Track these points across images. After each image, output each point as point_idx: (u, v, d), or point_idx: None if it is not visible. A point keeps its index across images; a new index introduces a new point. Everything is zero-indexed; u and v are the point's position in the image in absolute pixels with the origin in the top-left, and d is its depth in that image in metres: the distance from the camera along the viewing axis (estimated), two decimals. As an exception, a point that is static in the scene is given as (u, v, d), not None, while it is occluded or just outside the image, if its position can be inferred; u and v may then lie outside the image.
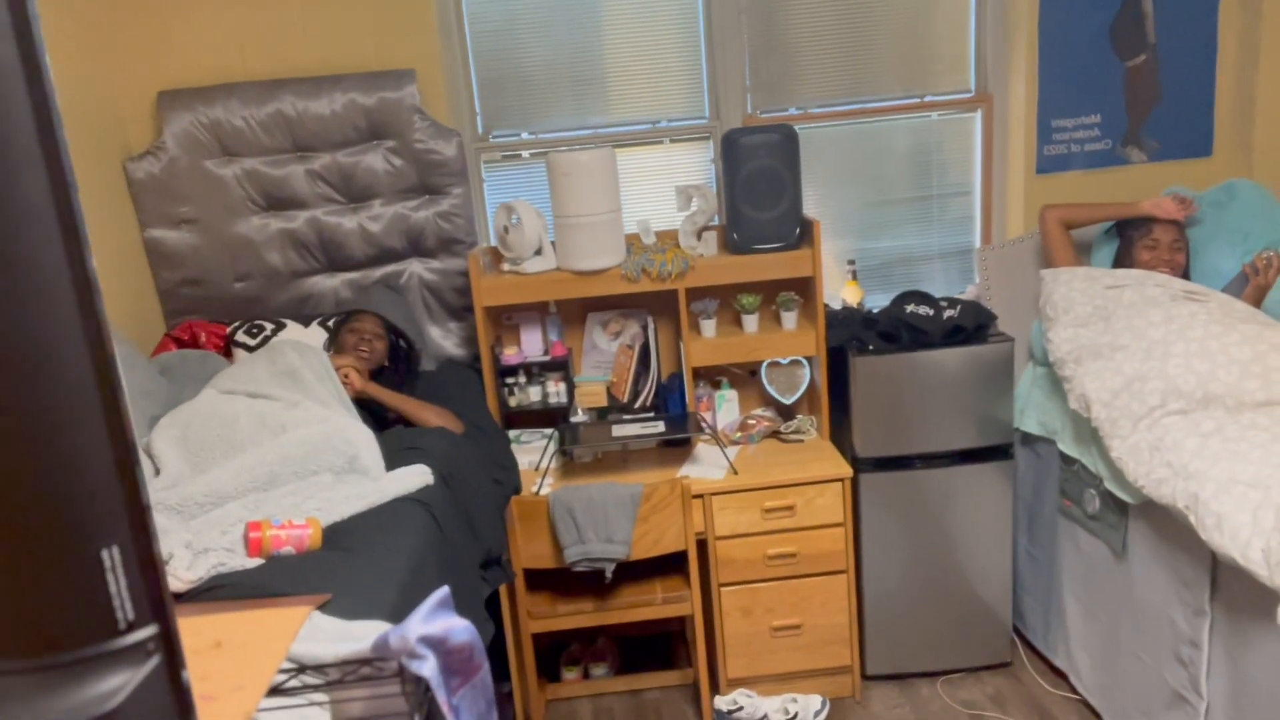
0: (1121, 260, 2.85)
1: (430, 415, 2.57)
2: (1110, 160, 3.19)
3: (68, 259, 0.70)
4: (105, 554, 0.67)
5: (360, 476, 2.13)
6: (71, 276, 0.70)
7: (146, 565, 0.70)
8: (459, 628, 1.12)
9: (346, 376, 2.51)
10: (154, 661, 0.70)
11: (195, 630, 0.97)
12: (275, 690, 1.08)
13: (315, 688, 1.10)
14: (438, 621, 1.09)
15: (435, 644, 1.07)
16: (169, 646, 0.71)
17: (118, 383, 0.71)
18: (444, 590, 1.16)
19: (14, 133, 0.65)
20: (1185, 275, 2.79)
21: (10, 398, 0.64)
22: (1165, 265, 2.73)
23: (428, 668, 1.05)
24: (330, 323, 2.89)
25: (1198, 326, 2.36)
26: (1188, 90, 3.15)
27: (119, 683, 0.67)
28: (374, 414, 2.54)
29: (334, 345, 2.75)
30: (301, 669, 1.08)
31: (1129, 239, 2.82)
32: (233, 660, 0.90)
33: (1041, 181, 3.19)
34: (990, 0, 3.13)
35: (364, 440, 2.19)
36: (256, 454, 2.01)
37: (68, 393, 0.67)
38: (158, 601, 0.71)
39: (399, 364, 2.83)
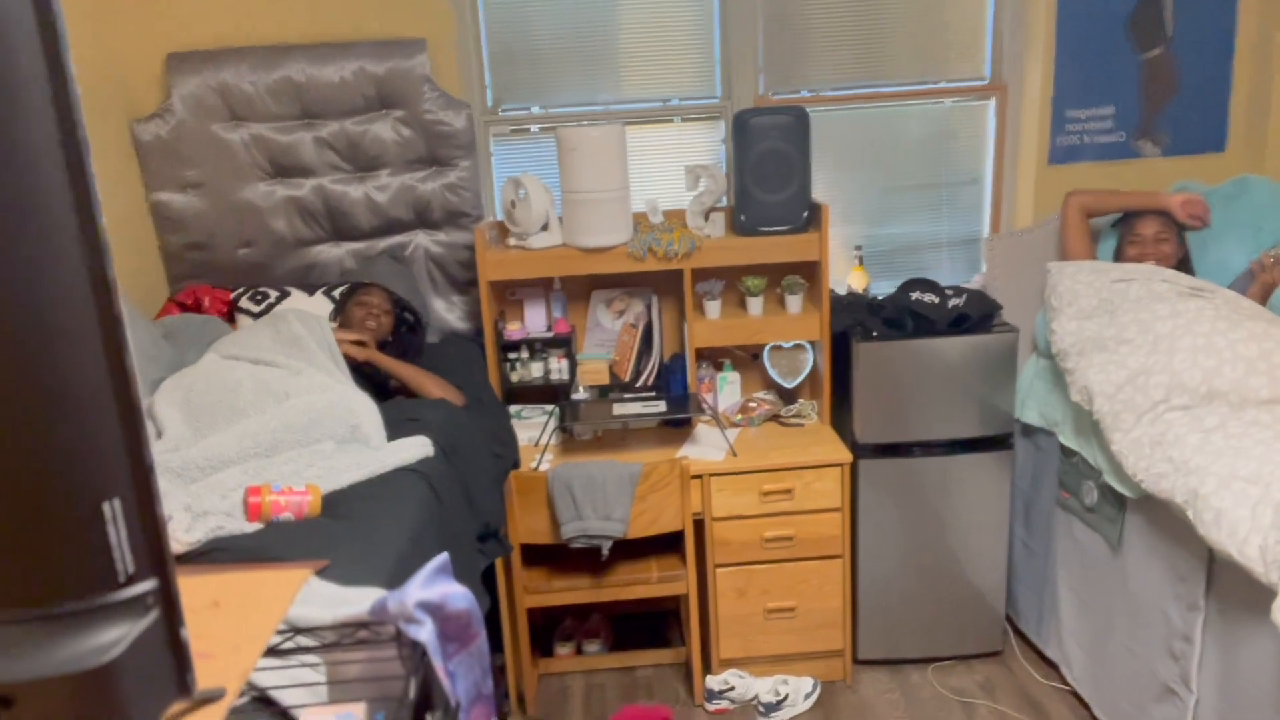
0: (1117, 256, 2.86)
1: (432, 386, 2.57)
2: (1123, 152, 3.17)
3: (78, 218, 0.70)
4: (107, 506, 0.67)
5: (361, 446, 2.14)
6: (81, 235, 0.70)
7: (148, 520, 0.70)
8: (457, 594, 1.12)
9: (350, 347, 2.51)
10: (153, 615, 0.70)
11: (193, 589, 0.98)
12: (272, 651, 1.09)
13: (312, 650, 1.11)
14: (436, 587, 1.09)
15: (433, 609, 1.08)
16: (168, 601, 0.71)
17: (124, 340, 0.71)
18: (443, 556, 1.16)
19: (27, 90, 0.64)
20: (1186, 268, 2.79)
21: (17, 352, 0.64)
22: (1153, 258, 2.73)
23: (425, 633, 1.06)
24: (335, 292, 2.89)
25: (1204, 322, 2.35)
26: (1203, 85, 3.12)
27: (118, 635, 0.67)
28: (375, 384, 2.54)
29: (341, 317, 2.75)
30: (299, 631, 1.08)
31: (1120, 236, 2.84)
32: (230, 620, 0.90)
33: (1053, 172, 3.17)
34: (1008, -13, 3.10)
35: (366, 409, 2.19)
36: (259, 420, 2.02)
37: (74, 348, 0.67)
38: (158, 556, 0.71)
39: (404, 338, 2.83)
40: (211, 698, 0.81)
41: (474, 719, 1.16)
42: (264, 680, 1.07)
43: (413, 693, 1.01)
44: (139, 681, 0.68)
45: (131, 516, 0.69)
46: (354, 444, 2.12)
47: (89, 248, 0.71)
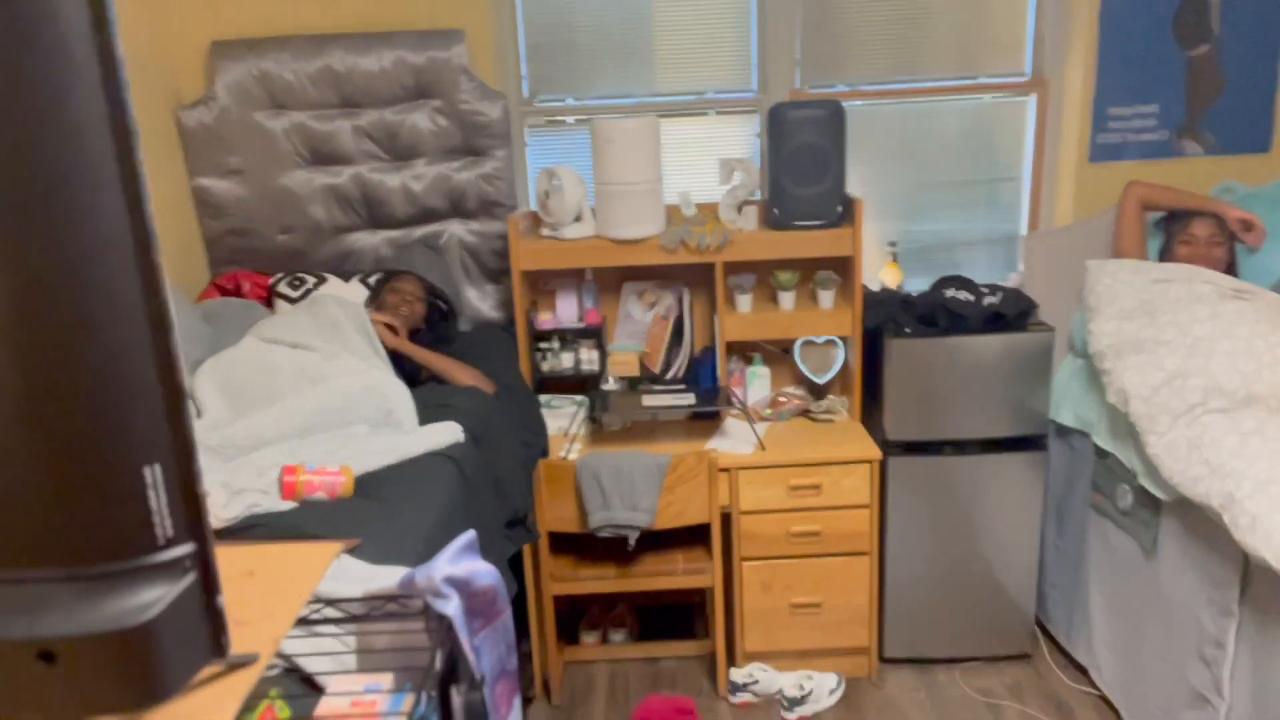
0: (1164, 255, 2.81)
1: (463, 374, 2.60)
2: (1166, 151, 3.11)
3: (127, 203, 0.73)
4: (148, 471, 0.69)
5: (394, 430, 2.17)
6: (130, 220, 0.72)
7: (187, 486, 0.73)
8: (483, 571, 1.14)
9: (383, 332, 2.54)
10: (190, 578, 0.72)
11: (229, 559, 1.00)
12: (303, 621, 1.11)
13: (341, 621, 1.13)
14: (463, 563, 1.11)
15: (460, 585, 1.10)
16: (205, 565, 0.73)
17: (168, 315, 0.73)
18: (470, 533, 1.18)
19: (79, 76, 0.67)
20: (1232, 271, 2.74)
21: (70, 326, 0.67)
22: (1203, 260, 2.69)
23: (451, 607, 1.08)
24: (370, 279, 2.93)
25: (1244, 325, 2.31)
26: (1249, 83, 3.06)
27: (156, 595, 0.69)
28: (407, 371, 2.58)
29: (376, 303, 2.79)
30: (330, 602, 1.11)
31: (1171, 234, 2.79)
32: (264, 589, 0.92)
33: (1094, 170, 3.12)
34: (1051, -18, 3.06)
35: (399, 395, 2.22)
36: (296, 401, 2.05)
37: (123, 324, 0.69)
38: (196, 521, 0.73)
39: (437, 326, 2.86)
40: (245, 662, 0.84)
41: (498, 694, 1.18)
42: (294, 649, 1.09)
43: (438, 664, 1.03)
44: (176, 641, 0.70)
45: (172, 483, 0.71)
46: (387, 428, 2.15)
47: (137, 231, 0.73)
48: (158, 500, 0.70)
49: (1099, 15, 2.99)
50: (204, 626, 0.74)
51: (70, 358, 0.67)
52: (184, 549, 0.72)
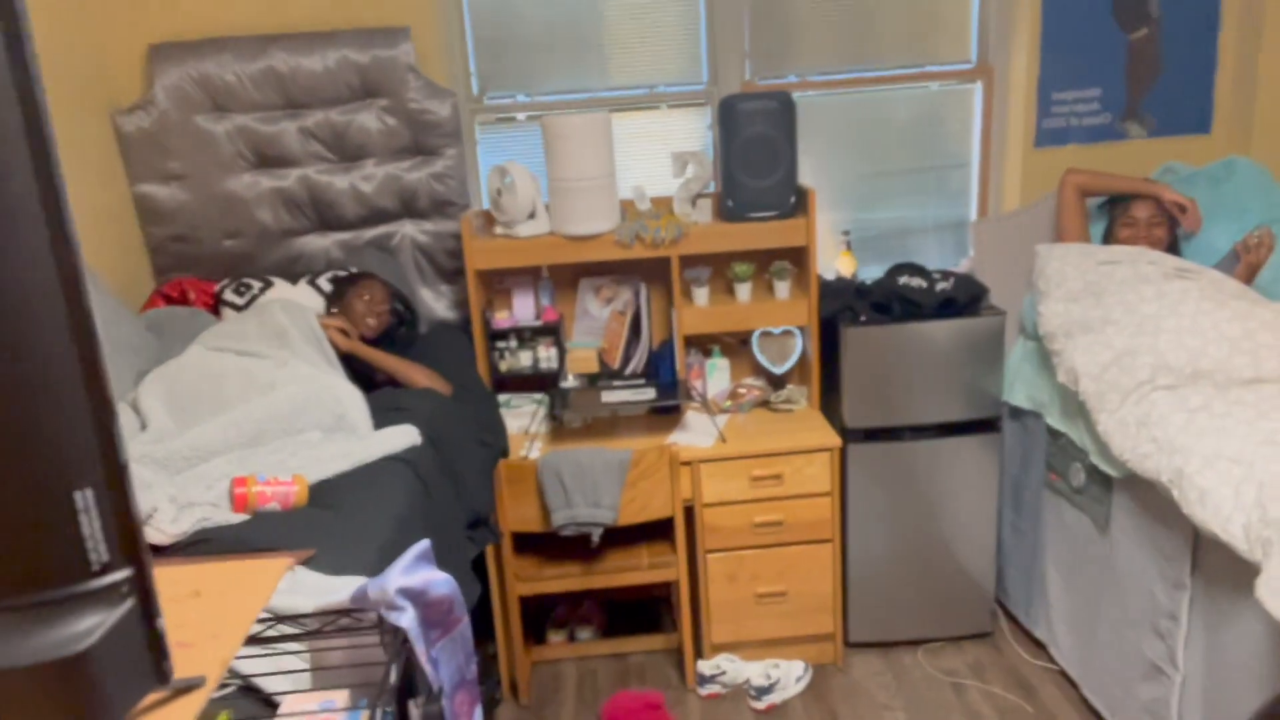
0: (1107, 238, 2.87)
1: (418, 376, 2.57)
2: (1109, 134, 3.17)
3: (45, 211, 0.70)
4: (79, 495, 0.67)
5: (348, 435, 2.14)
6: (49, 227, 0.69)
7: (121, 509, 0.70)
8: (439, 580, 1.12)
9: (335, 334, 2.50)
10: (128, 604, 0.70)
11: (174, 579, 0.98)
12: (254, 639, 1.09)
13: (294, 637, 1.11)
14: (418, 574, 1.09)
15: (414, 596, 1.08)
16: (143, 590, 0.71)
17: (93, 331, 0.70)
18: (424, 543, 1.17)
19: None
20: (1176, 251, 2.80)
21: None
22: (1145, 241, 2.75)
23: (406, 619, 1.06)
24: (319, 280, 2.87)
25: (1189, 303, 2.36)
26: (1188, 66, 3.12)
27: (92, 623, 0.67)
28: (360, 375, 2.54)
29: (340, 307, 2.72)
30: (281, 619, 1.08)
31: (1113, 217, 2.86)
32: (211, 609, 0.90)
33: (1039, 155, 3.17)
34: (994, -31, 3.09)
35: (352, 398, 2.19)
36: (244, 410, 2.01)
37: (44, 339, 0.67)
38: (132, 545, 0.71)
39: (394, 331, 2.82)
40: (191, 686, 0.81)
41: (458, 705, 1.17)
42: (247, 668, 1.07)
43: (394, 678, 1.01)
44: (115, 669, 0.68)
45: (105, 506, 0.69)
46: (340, 433, 2.12)
47: (57, 241, 0.70)
48: (90, 525, 0.67)
49: (1041, 1, 3.03)
50: (145, 652, 0.72)
51: (-9, 381, 0.64)
52: (120, 574, 0.69)
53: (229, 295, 2.83)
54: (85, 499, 0.67)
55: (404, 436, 2.16)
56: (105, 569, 0.69)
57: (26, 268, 0.67)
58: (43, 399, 0.66)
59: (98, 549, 0.68)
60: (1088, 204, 2.97)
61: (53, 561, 0.67)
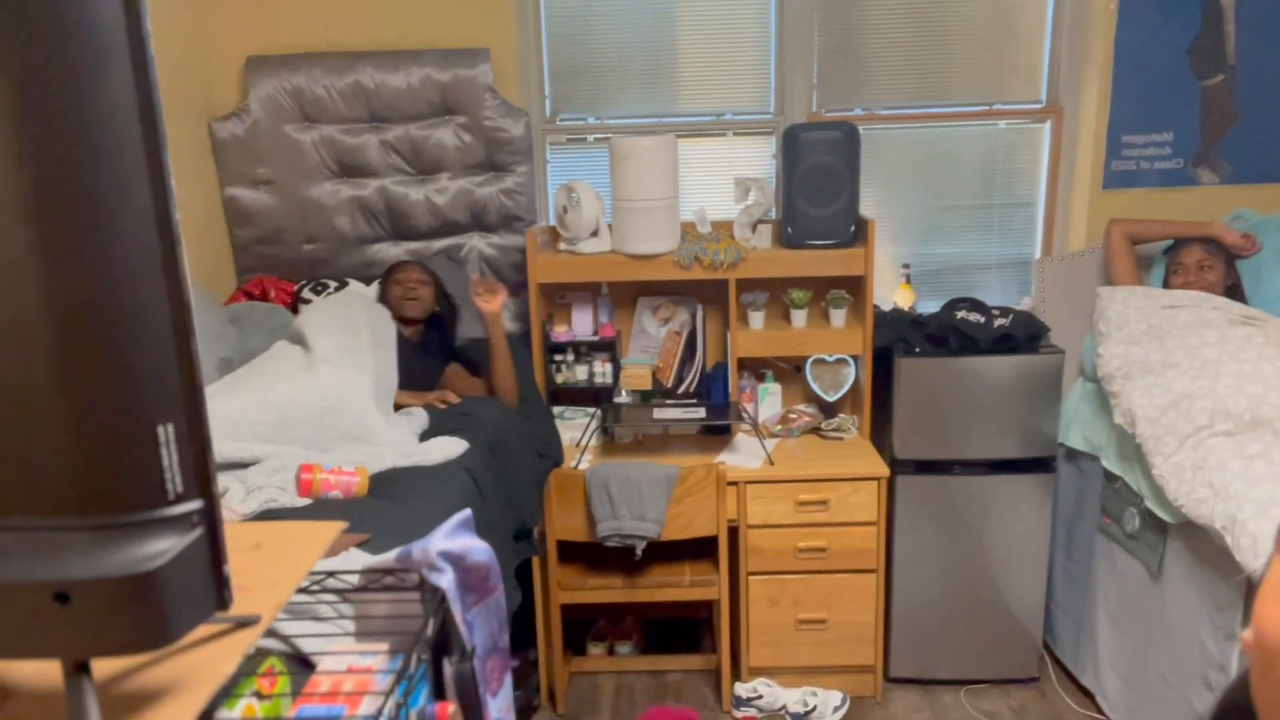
0: (1166, 282, 2.84)
1: (508, 377, 2.64)
2: (1180, 179, 3.13)
3: (149, 177, 0.79)
4: (161, 429, 0.75)
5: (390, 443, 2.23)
6: (150, 186, 0.78)
7: (197, 446, 0.78)
8: (478, 548, 1.18)
9: (486, 299, 2.61)
10: (197, 533, 0.77)
11: (239, 533, 1.05)
12: (304, 592, 1.16)
13: (341, 592, 1.18)
14: (459, 539, 1.15)
15: (454, 559, 1.14)
16: (211, 522, 0.79)
17: (185, 291, 0.79)
18: (466, 511, 1.23)
19: (116, 92, 0.73)
20: (1238, 295, 2.75)
21: (92, 285, 0.73)
22: (1196, 285, 2.72)
23: (446, 580, 1.12)
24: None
25: (1252, 349, 2.32)
26: (1265, 114, 3.08)
27: (165, 546, 0.74)
28: (423, 378, 2.63)
29: (381, 299, 2.82)
30: (330, 574, 1.16)
31: (1166, 265, 2.84)
32: (270, 560, 0.97)
33: (1107, 197, 3.14)
34: (1068, 12, 3.10)
35: (372, 418, 2.25)
36: (273, 393, 2.13)
37: (144, 287, 0.75)
38: (204, 480, 0.78)
39: (441, 324, 2.88)
40: (248, 622, 0.88)
41: (489, 669, 1.22)
42: (294, 625, 1.14)
43: (430, 631, 1.07)
44: (181, 590, 0.75)
45: (183, 441, 0.77)
46: (363, 444, 2.21)
47: (159, 203, 0.79)
48: (169, 457, 0.75)
49: (1114, 43, 3.02)
50: (208, 579, 0.79)
51: (90, 320, 0.73)
52: (192, 505, 0.77)
53: (306, 294, 2.97)
54: (167, 433, 0.75)
55: (452, 446, 2.25)
56: (179, 499, 0.76)
57: (136, 234, 0.75)
58: (140, 344, 0.74)
59: (174, 480, 0.76)
60: (1152, 249, 2.94)
61: (135, 487, 0.75)
